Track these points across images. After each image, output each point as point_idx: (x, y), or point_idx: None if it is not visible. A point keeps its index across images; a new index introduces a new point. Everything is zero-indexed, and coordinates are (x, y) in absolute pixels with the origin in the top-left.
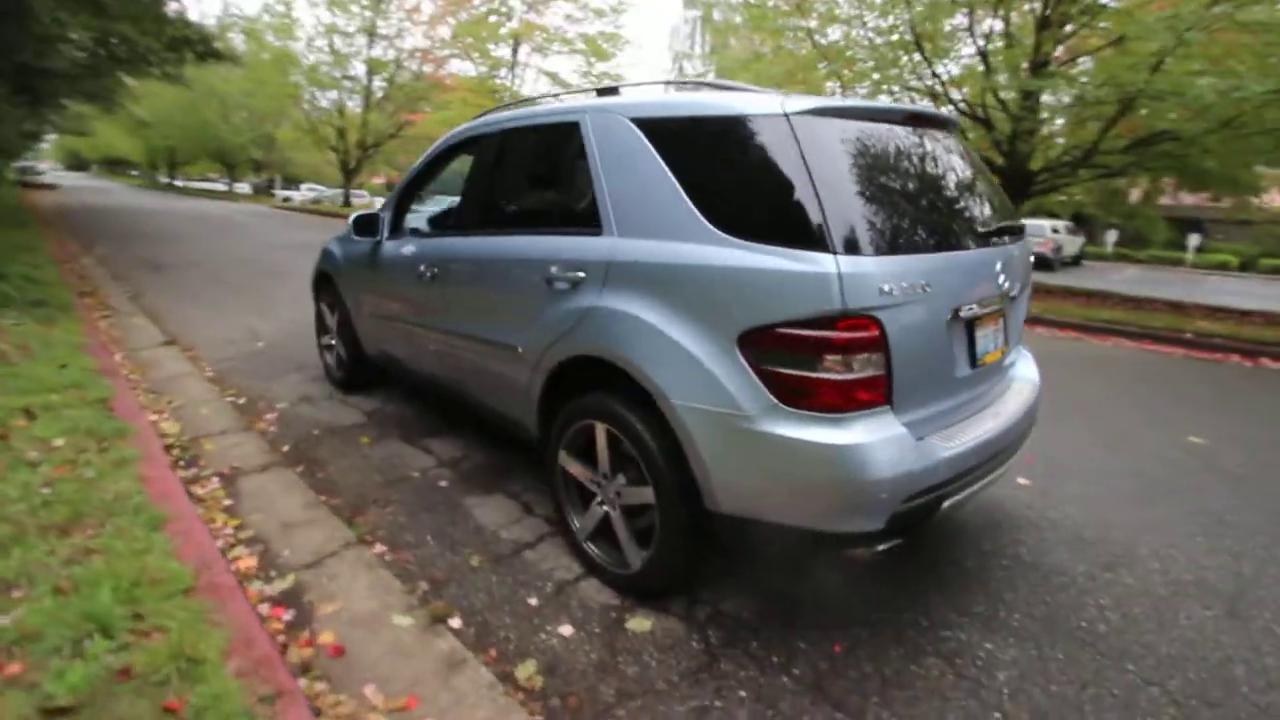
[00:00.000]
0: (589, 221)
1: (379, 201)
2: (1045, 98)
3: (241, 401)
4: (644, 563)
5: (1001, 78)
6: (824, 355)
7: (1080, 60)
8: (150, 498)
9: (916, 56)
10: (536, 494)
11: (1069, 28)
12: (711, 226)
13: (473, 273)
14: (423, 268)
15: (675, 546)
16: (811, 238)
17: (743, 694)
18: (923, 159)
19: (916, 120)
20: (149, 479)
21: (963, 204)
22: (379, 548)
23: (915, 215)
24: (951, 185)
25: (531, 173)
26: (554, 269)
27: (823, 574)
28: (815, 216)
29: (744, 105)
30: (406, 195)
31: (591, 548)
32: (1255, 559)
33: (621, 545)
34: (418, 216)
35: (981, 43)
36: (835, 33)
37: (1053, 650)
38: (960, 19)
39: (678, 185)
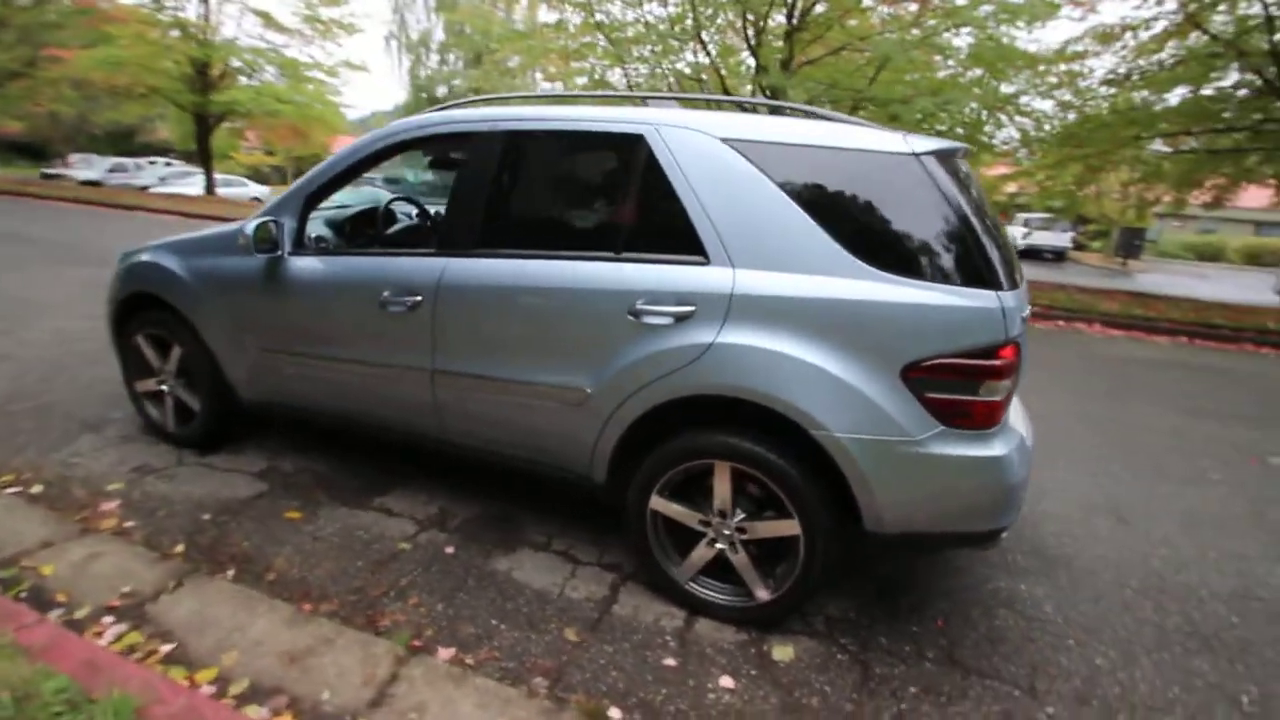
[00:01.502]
0: (682, 248)
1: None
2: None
3: (37, 491)
4: (777, 592)
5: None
6: (985, 380)
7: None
8: (70, 676)
9: (695, 46)
10: (568, 539)
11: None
12: (860, 262)
13: (502, 304)
14: (388, 294)
15: (819, 571)
16: (978, 275)
17: (913, 689)
18: (977, 191)
19: (965, 154)
20: (27, 645)
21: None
22: (446, 652)
23: (1000, 248)
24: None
25: (573, 187)
26: (642, 302)
27: (883, 564)
28: (978, 255)
29: (874, 141)
30: (317, 197)
31: (699, 588)
32: None
33: (745, 580)
34: (320, 222)
35: (753, 41)
36: (615, 10)
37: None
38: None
39: (808, 217)
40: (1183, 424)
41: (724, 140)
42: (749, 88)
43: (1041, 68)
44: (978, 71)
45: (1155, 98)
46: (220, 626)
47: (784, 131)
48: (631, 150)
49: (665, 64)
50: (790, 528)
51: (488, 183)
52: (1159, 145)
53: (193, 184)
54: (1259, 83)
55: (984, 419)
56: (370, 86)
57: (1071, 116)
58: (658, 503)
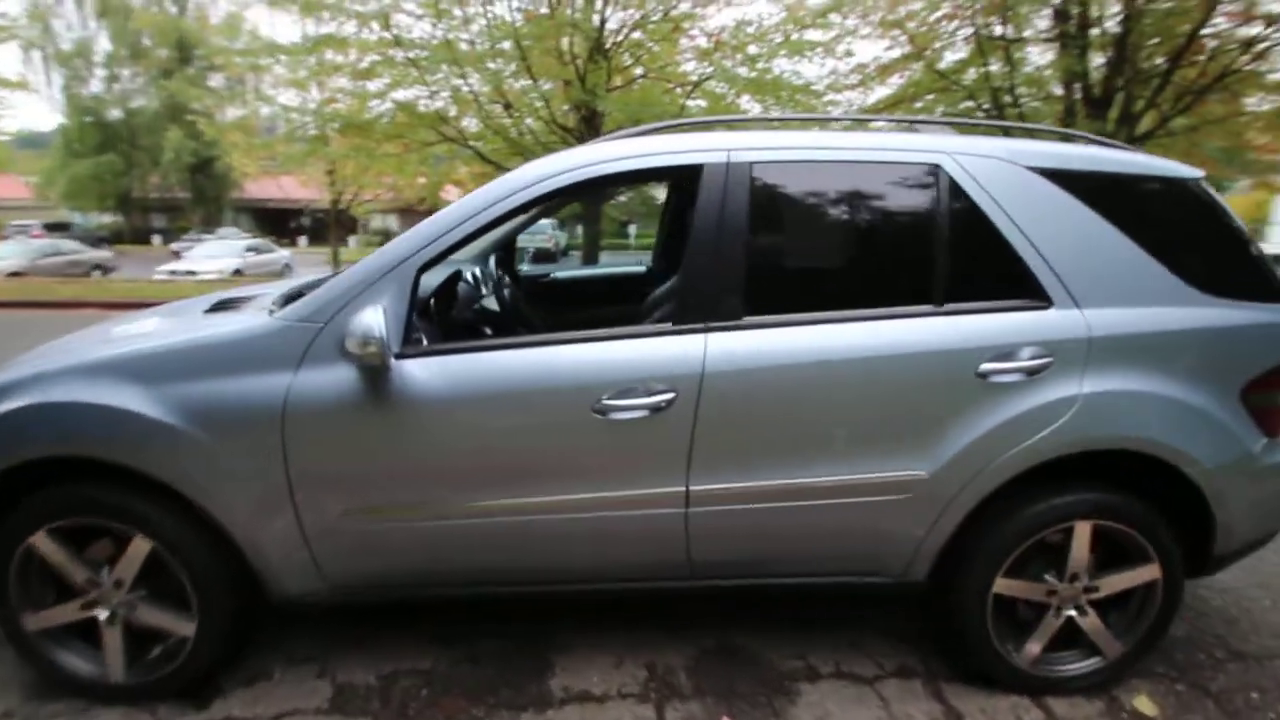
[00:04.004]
0: (1017, 292)
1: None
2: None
3: None
4: (1132, 643)
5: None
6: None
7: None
8: None
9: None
10: (824, 655)
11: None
12: (1190, 288)
13: (802, 386)
14: (612, 396)
15: (1173, 608)
16: (1275, 289)
17: (1253, 695)
18: None
19: None
20: None
21: None
22: None
23: None
24: None
25: (859, 230)
26: (990, 359)
27: None
28: (1268, 269)
29: (1161, 167)
30: (434, 264)
31: (1045, 667)
32: None
33: (1096, 641)
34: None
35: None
36: (406, 20)
37: None
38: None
39: (1135, 245)
40: None
41: (1031, 169)
42: (565, 107)
43: (800, 97)
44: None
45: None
46: None
47: (1089, 158)
48: (928, 183)
49: (477, 84)
50: (1149, 573)
51: (743, 230)
52: None
53: None
54: (984, 107)
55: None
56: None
57: None
58: (1003, 585)
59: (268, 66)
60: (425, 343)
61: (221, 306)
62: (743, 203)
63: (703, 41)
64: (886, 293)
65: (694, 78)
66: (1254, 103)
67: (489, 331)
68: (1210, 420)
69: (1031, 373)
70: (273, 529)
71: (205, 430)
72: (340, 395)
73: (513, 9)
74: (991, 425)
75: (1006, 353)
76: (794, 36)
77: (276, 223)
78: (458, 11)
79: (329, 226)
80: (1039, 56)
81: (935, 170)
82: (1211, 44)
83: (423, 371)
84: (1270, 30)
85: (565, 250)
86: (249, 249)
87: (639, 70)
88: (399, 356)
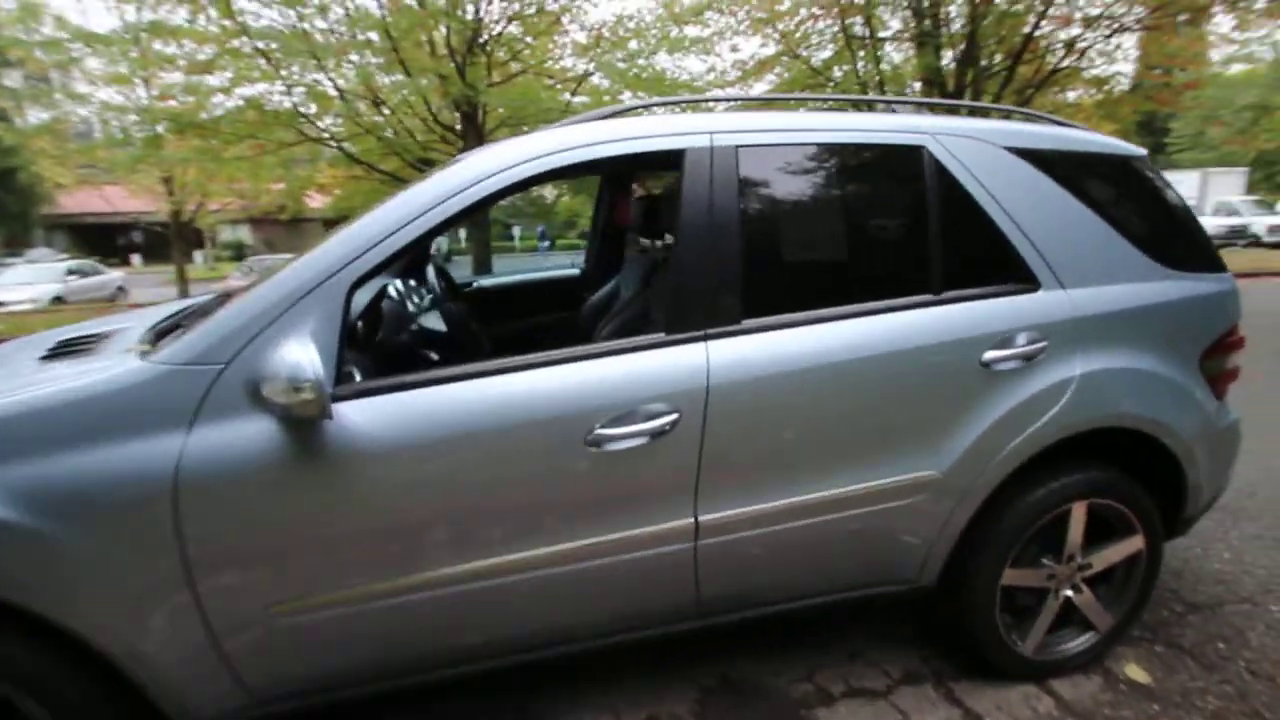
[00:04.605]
0: (1007, 276)
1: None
2: None
3: None
4: (1121, 613)
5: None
6: (1234, 351)
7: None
8: None
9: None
10: (831, 672)
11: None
12: (1153, 262)
13: (816, 391)
14: (604, 425)
15: (1155, 573)
16: (1217, 261)
17: (1220, 645)
18: None
19: None
20: None
21: None
22: None
23: None
24: None
25: (850, 216)
26: (992, 347)
27: None
28: (1209, 241)
29: (1111, 144)
30: (368, 280)
31: (1049, 653)
32: None
33: (1089, 617)
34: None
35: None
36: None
37: None
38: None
39: (1104, 222)
40: None
41: (1009, 149)
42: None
43: (682, 93)
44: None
45: None
46: None
47: (1055, 136)
48: (914, 166)
49: (340, 79)
50: (1134, 544)
51: (735, 222)
52: None
53: None
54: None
55: (1229, 384)
56: None
57: None
58: (1010, 576)
59: (79, 60)
60: (359, 378)
61: (65, 350)
62: (732, 191)
63: (581, 37)
64: (886, 283)
65: (575, 73)
66: (1076, 95)
67: (435, 358)
68: (1182, 391)
69: (1029, 358)
70: (165, 633)
71: (56, 521)
72: (258, 456)
73: (378, 0)
74: (998, 415)
75: (1005, 339)
76: (673, 33)
77: (101, 240)
78: None
79: (170, 241)
80: (899, 54)
81: (918, 152)
82: (1044, 44)
83: (364, 416)
84: (1087, 31)
85: (449, 256)
86: (71, 271)
87: (517, 66)
88: (333, 399)
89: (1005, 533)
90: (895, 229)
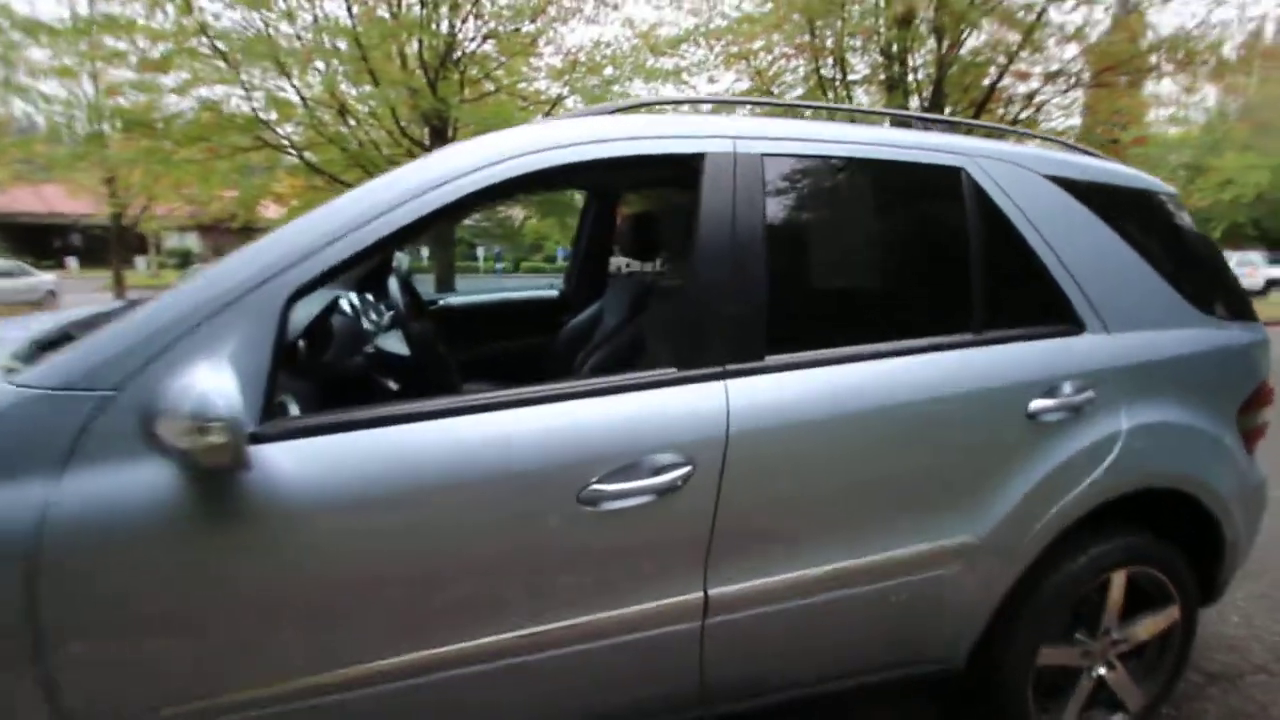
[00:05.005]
0: (1050, 316)
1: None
2: None
3: None
4: (1155, 690)
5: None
6: (1267, 405)
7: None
8: None
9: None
10: None
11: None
12: (1192, 308)
13: (850, 442)
14: (602, 480)
15: (1189, 646)
16: (1250, 309)
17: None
18: None
19: None
20: None
21: None
22: None
23: None
24: None
25: (883, 242)
26: (1038, 396)
27: None
28: (1241, 289)
29: (1150, 181)
30: (314, 286)
31: None
32: None
33: (1122, 695)
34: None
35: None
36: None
37: None
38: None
39: (1148, 265)
40: None
41: (1048, 177)
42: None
43: None
44: None
45: None
46: None
47: (1092, 168)
48: (953, 189)
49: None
50: (1172, 615)
51: (760, 241)
52: None
53: None
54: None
55: (1258, 443)
56: None
57: None
58: (1046, 655)
59: (21, 49)
60: (296, 411)
61: None
62: (758, 205)
63: (557, 61)
64: (924, 319)
65: (549, 96)
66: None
67: (395, 387)
68: (1222, 447)
69: (1076, 409)
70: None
71: None
72: (151, 512)
73: (349, 9)
74: (1043, 474)
75: (1052, 387)
76: (649, 63)
77: (35, 241)
78: (280, 2)
79: (110, 245)
80: (867, 97)
81: (957, 176)
82: (1006, 95)
83: (297, 462)
84: (1046, 85)
85: (409, 274)
86: None
87: (490, 85)
88: (258, 439)
89: (1044, 607)
90: (934, 258)
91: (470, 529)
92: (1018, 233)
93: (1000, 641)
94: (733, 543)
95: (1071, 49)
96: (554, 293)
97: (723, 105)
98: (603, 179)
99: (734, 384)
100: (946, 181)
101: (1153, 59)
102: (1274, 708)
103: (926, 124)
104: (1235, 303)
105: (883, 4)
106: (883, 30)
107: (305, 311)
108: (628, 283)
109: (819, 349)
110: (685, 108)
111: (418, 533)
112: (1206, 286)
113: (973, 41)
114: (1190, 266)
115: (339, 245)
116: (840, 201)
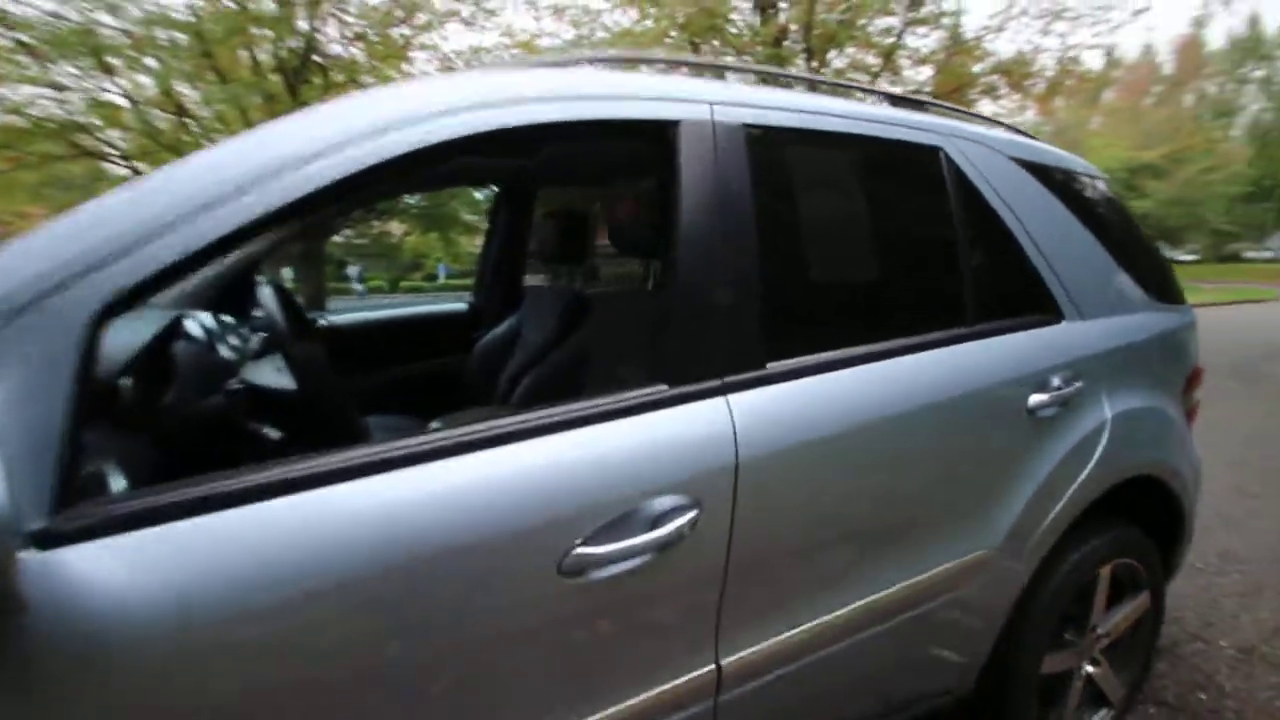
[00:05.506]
0: (1033, 306)
1: None
2: None
3: None
4: (1131, 680)
5: None
6: (1197, 384)
7: None
8: None
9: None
10: None
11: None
12: (1145, 293)
13: (860, 460)
14: (587, 541)
15: (1157, 631)
16: (1179, 291)
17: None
18: None
19: None
20: None
21: None
22: None
23: None
24: None
25: (871, 227)
26: (1034, 390)
27: None
28: (1174, 273)
29: (1090, 164)
30: (137, 298)
31: None
32: None
33: (1105, 689)
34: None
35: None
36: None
37: None
38: None
39: (1103, 249)
40: None
41: (1014, 160)
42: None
43: None
44: None
45: None
46: None
47: (1050, 151)
48: (934, 171)
49: (130, 86)
50: (1144, 601)
51: (750, 228)
52: None
53: None
54: None
55: (1194, 422)
56: None
57: None
58: (1050, 662)
59: None
60: (117, 485)
61: None
62: (744, 182)
63: (432, 68)
64: (922, 312)
65: None
66: None
67: (275, 435)
68: (1182, 429)
69: (1066, 402)
70: None
71: None
72: None
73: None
74: (1045, 473)
75: (1043, 380)
76: None
77: None
78: None
79: None
80: None
81: (934, 155)
82: None
83: (116, 571)
84: None
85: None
86: None
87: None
88: (48, 541)
89: (1045, 614)
90: (925, 245)
91: (413, 632)
92: (997, 216)
93: (1008, 658)
94: (746, 597)
95: (926, 71)
96: (463, 306)
97: (700, 68)
98: (546, 149)
99: (736, 399)
100: (928, 161)
101: (994, 78)
102: (1217, 676)
103: (894, 101)
104: (1171, 286)
105: (759, 24)
106: (760, 49)
107: (128, 337)
108: (549, 292)
109: (820, 351)
110: (644, 68)
111: (334, 657)
112: (1148, 270)
113: (838, 63)
114: (1134, 251)
115: (173, 238)
116: (831, 183)
